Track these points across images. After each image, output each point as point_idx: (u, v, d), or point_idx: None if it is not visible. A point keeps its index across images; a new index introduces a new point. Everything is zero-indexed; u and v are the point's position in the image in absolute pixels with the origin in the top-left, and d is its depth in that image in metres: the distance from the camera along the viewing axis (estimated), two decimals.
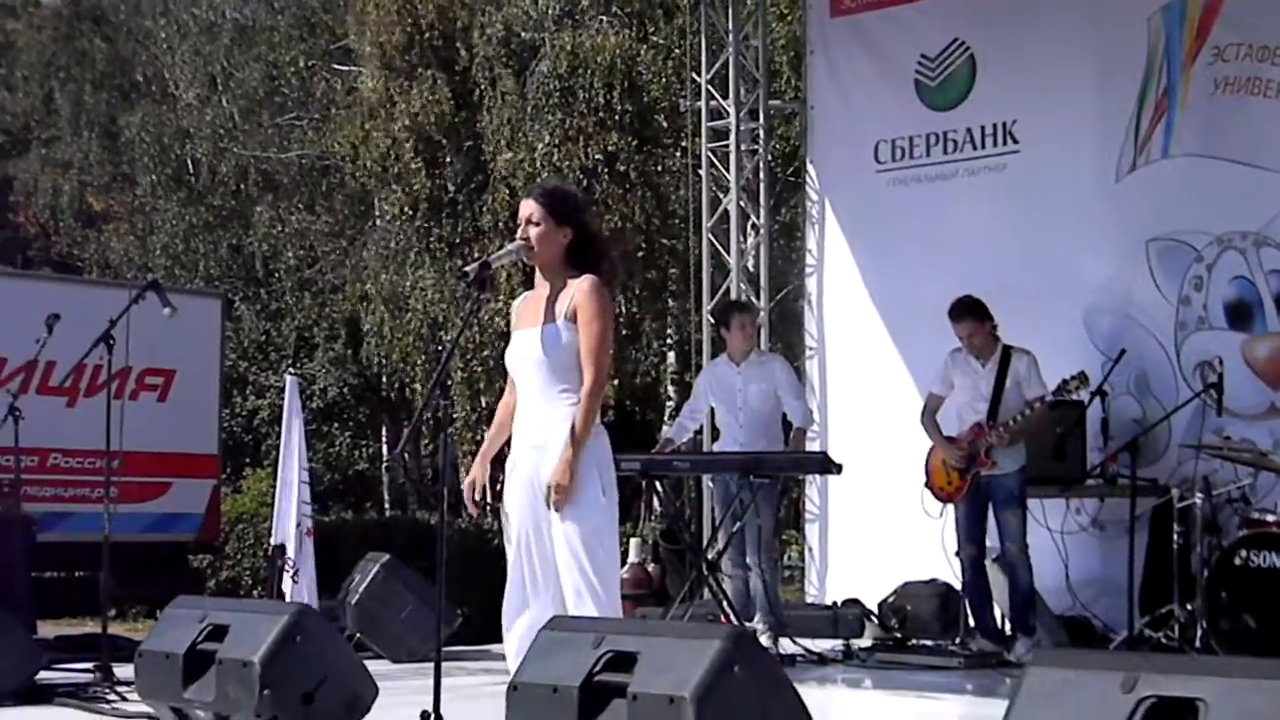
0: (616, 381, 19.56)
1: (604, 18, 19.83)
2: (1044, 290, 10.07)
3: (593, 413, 5.67)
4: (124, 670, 7.44)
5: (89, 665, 8.06)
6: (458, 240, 20.68)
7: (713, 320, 11.65)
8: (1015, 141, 10.83)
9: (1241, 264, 9.79)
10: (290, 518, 10.08)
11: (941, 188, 11.15)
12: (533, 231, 5.79)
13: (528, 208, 5.84)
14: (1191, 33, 10.03)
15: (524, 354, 5.79)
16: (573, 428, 5.61)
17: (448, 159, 20.66)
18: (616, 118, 19.23)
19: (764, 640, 8.98)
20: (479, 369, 20.45)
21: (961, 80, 11.11)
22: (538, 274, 5.89)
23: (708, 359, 12.18)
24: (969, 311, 9.04)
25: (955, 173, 11.12)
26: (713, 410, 10.14)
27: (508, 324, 6.19)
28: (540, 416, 5.73)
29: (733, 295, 11.97)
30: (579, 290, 5.70)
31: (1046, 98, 10.61)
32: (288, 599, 9.77)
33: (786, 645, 9.15)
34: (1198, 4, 10.02)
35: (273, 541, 10.30)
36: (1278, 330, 9.68)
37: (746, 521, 9.27)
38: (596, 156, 18.91)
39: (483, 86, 20.35)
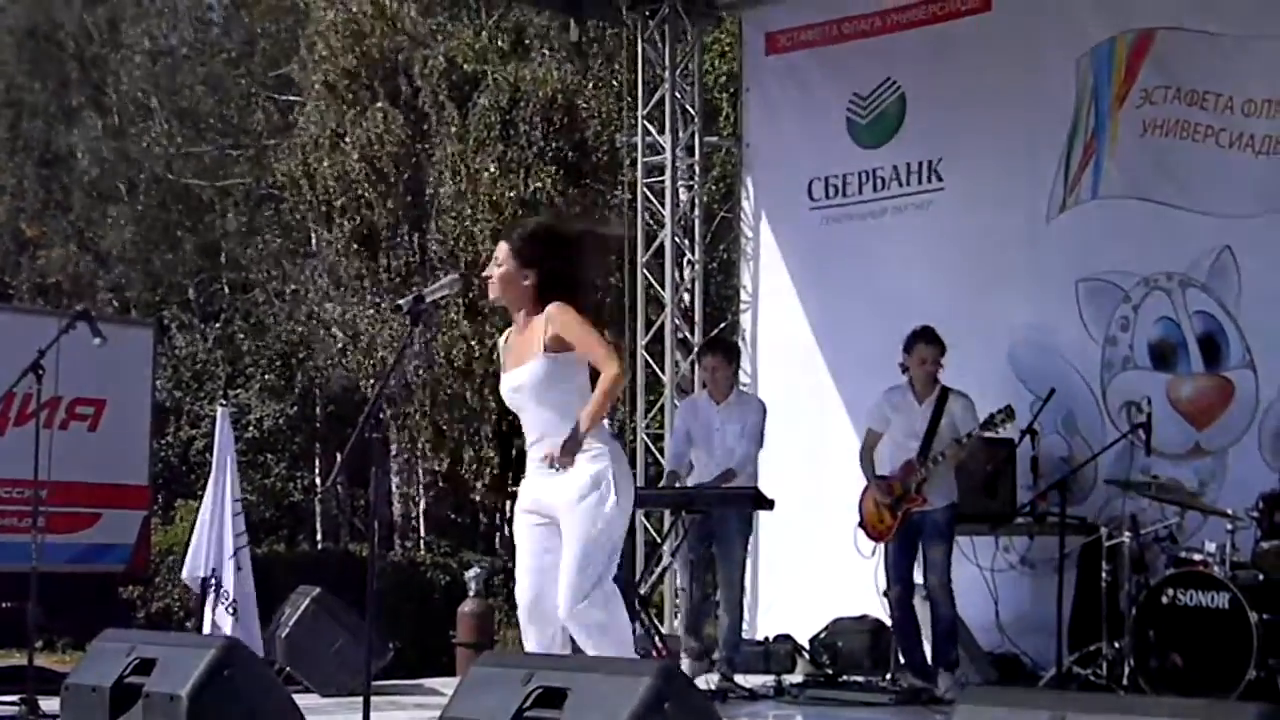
0: None
1: (546, 51, 19.91)
2: (971, 328, 10.08)
3: (608, 397, 5.93)
4: (50, 704, 7.36)
5: (14, 698, 7.96)
6: (403, 270, 20.68)
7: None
8: (940, 179, 10.92)
9: (1167, 305, 9.90)
10: (227, 552, 9.98)
11: (871, 225, 11.23)
12: (495, 273, 6.03)
13: (498, 250, 6.08)
14: (1120, 75, 10.15)
15: (517, 391, 6.04)
16: (588, 413, 5.88)
17: (396, 189, 20.66)
18: (555, 152, 19.29)
19: (719, 673, 9.05)
20: (427, 402, 20.45)
21: (891, 118, 11.20)
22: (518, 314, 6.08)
23: (642, 394, 12.21)
24: (936, 338, 9.08)
25: (883, 210, 11.20)
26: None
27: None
28: (546, 448, 5.93)
29: (666, 331, 12.00)
30: (548, 319, 5.93)
31: (973, 137, 10.71)
32: (227, 633, 9.68)
33: (717, 680, 9.13)
34: (1125, 47, 10.14)
35: (184, 575, 10.18)
36: (1201, 371, 9.79)
37: (721, 551, 9.33)
38: (536, 186, 18.95)
39: (431, 118, 20.39)
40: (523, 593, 6.08)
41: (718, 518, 9.19)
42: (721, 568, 9.45)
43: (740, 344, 12.07)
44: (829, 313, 11.38)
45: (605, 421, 6.09)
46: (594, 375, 5.98)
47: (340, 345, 21.42)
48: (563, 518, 5.92)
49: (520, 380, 6.01)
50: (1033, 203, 10.41)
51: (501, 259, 6.02)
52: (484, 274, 6.02)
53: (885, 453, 9.23)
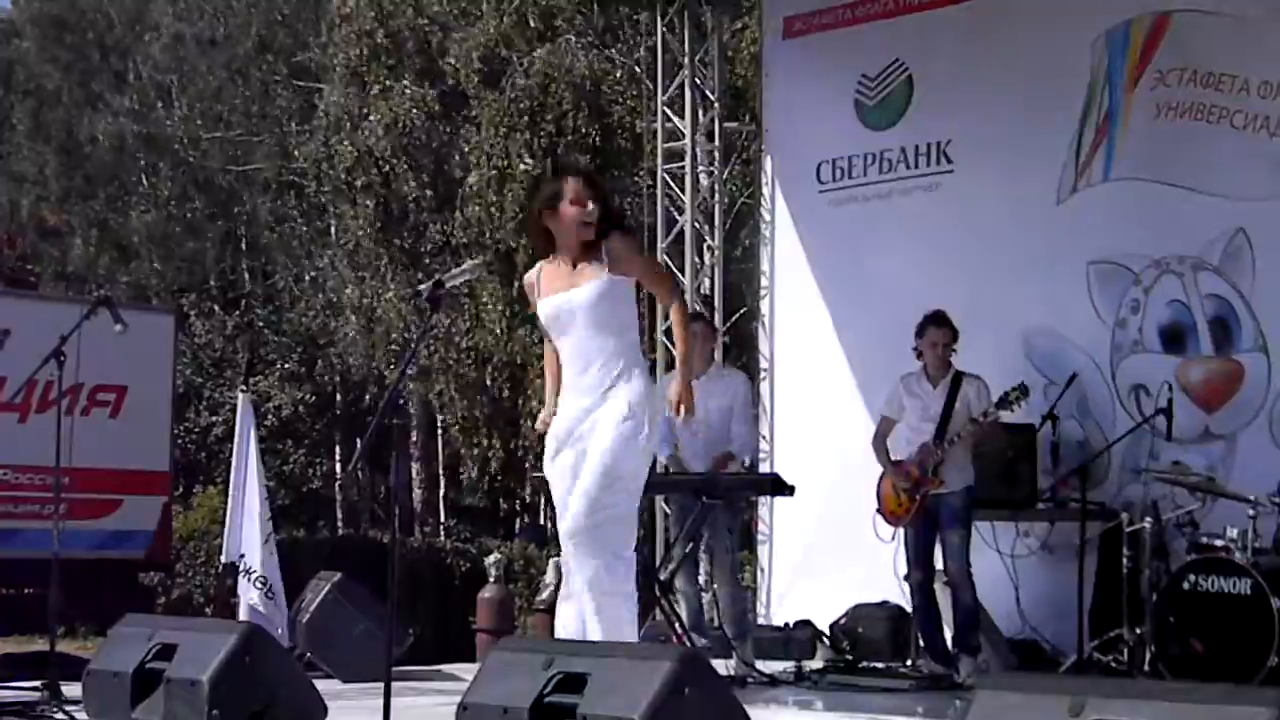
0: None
1: (571, 36, 19.89)
2: (981, 312, 9.95)
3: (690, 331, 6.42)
4: (72, 689, 7.39)
5: (37, 684, 7.98)
6: (424, 253, 20.70)
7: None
8: (949, 161, 10.87)
9: (1178, 287, 9.83)
10: (255, 536, 10.02)
11: (877, 207, 11.19)
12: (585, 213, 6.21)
13: (584, 190, 6.23)
14: (1135, 57, 10.08)
15: (569, 310, 6.14)
16: (685, 354, 6.36)
17: (420, 169, 20.67)
18: (581, 137, 19.30)
19: (743, 657, 9.03)
20: (450, 385, 20.46)
21: (899, 100, 11.15)
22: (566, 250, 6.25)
23: (661, 377, 12.17)
24: (947, 321, 9.08)
25: (889, 192, 11.15)
26: None
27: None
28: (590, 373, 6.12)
29: None
30: (611, 247, 6.11)
31: (984, 119, 10.64)
32: (263, 615, 9.72)
33: (736, 666, 9.12)
34: (1142, 29, 10.09)
35: (223, 560, 10.24)
36: (1210, 354, 9.75)
37: (714, 542, 9.28)
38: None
39: (458, 101, 20.41)
40: (563, 523, 6.18)
41: (705, 508, 9.12)
42: (717, 555, 9.39)
43: (760, 329, 12.09)
44: (840, 296, 11.35)
45: (645, 363, 6.27)
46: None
47: (359, 328, 21.43)
48: (594, 441, 6.03)
49: (575, 300, 6.10)
50: (1044, 184, 10.35)
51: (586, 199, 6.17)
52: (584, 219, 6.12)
53: (902, 438, 9.22)
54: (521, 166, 19.28)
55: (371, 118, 20.51)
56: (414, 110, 20.40)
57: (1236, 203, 9.57)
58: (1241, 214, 9.55)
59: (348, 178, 20.83)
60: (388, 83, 20.68)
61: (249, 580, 9.90)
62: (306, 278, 23.32)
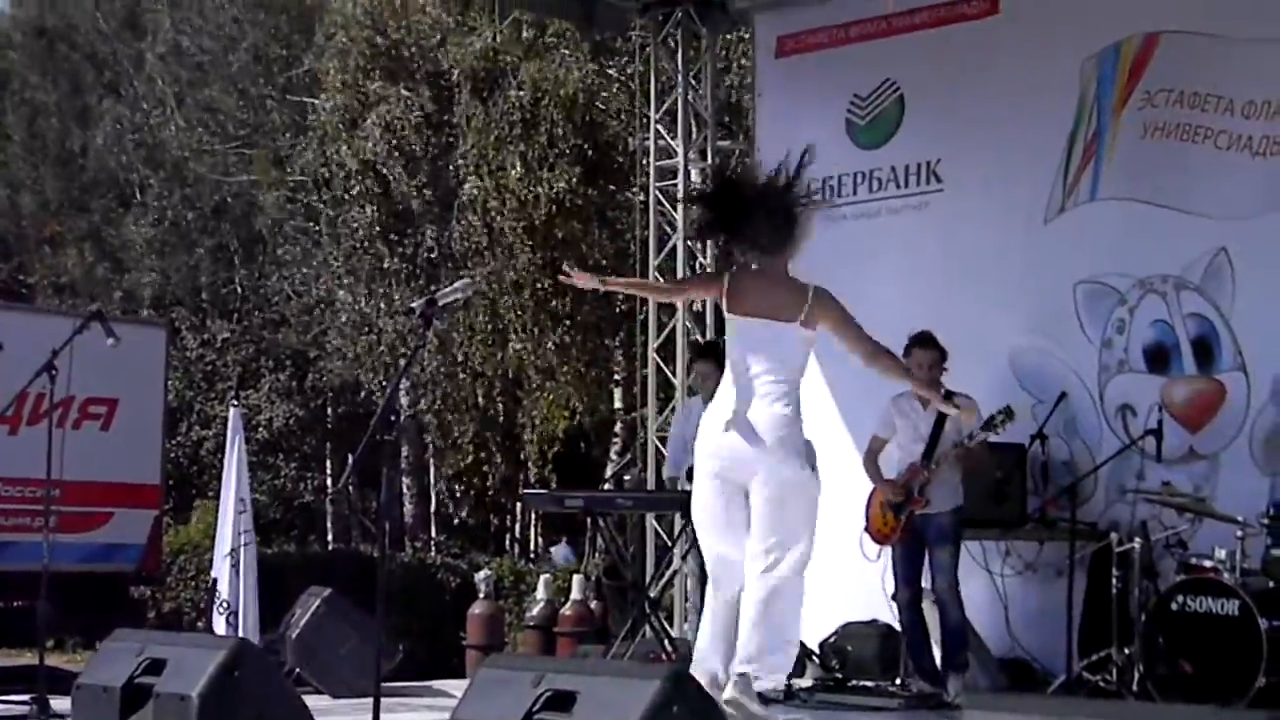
0: (566, 415, 19.54)
1: (565, 51, 19.93)
2: (969, 331, 9.86)
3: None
4: (61, 703, 7.39)
5: (25, 697, 7.98)
6: (422, 264, 20.69)
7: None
8: (938, 180, 10.91)
9: (1162, 307, 9.85)
10: (225, 549, 10.02)
11: (866, 226, 11.20)
12: None
13: None
14: (1123, 78, 10.12)
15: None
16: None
17: (416, 177, 20.68)
18: (575, 151, 19.32)
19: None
20: (441, 403, 20.45)
21: (890, 119, 11.19)
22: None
23: (653, 396, 12.21)
24: (932, 343, 9.07)
25: (878, 211, 11.17)
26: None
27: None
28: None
29: (678, 334, 12.01)
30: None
31: (973, 139, 10.67)
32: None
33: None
34: (1131, 49, 10.12)
35: (213, 575, 10.26)
36: (1194, 374, 9.78)
37: None
38: (561, 186, 18.98)
39: (453, 111, 20.42)
40: None
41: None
42: None
43: None
44: None
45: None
46: None
47: (348, 339, 21.42)
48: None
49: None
50: (1032, 204, 10.37)
51: None
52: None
53: (893, 458, 9.23)
54: (514, 175, 19.29)
55: (367, 122, 20.54)
56: (405, 119, 20.42)
57: (1218, 222, 9.61)
58: (1223, 233, 9.59)
59: (345, 185, 20.86)
60: (384, 92, 20.69)
61: (215, 597, 9.93)
62: (298, 279, 23.32)
